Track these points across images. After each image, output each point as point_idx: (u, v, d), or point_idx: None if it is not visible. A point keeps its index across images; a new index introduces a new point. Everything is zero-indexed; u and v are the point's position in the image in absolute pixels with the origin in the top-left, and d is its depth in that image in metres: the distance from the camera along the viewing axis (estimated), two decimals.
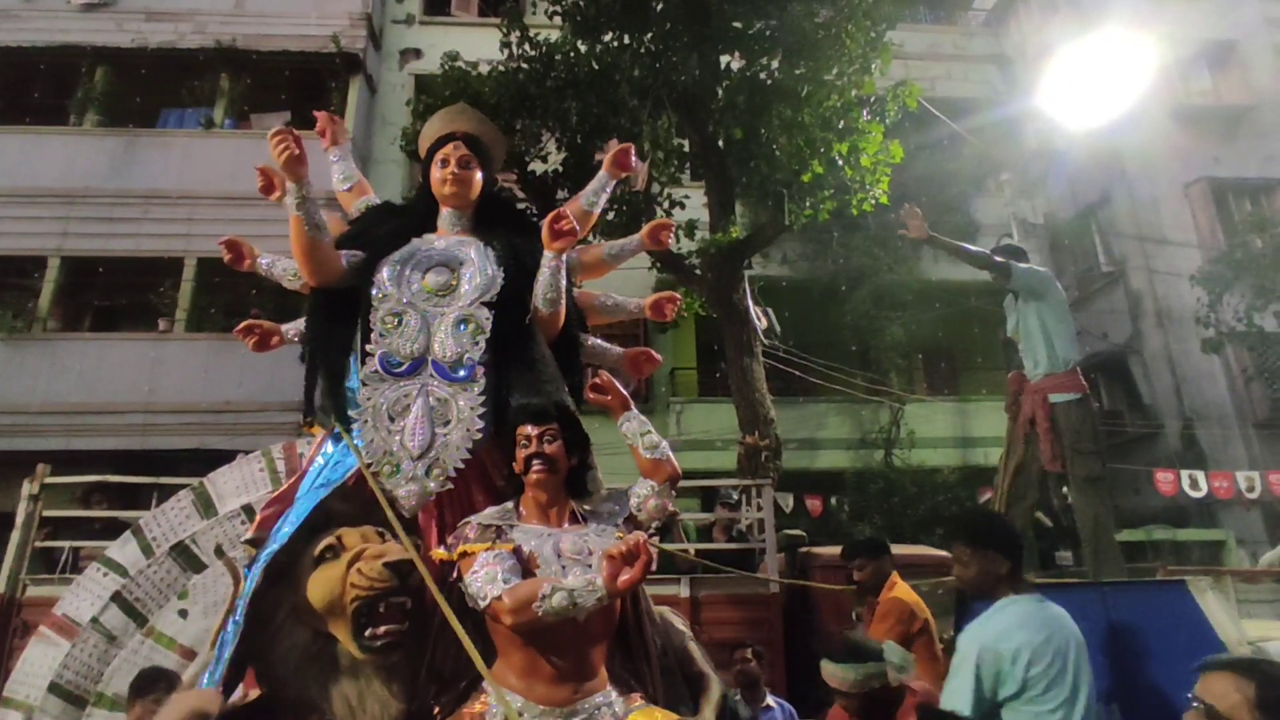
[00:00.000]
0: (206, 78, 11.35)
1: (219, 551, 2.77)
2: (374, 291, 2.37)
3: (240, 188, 9.41)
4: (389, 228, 2.58)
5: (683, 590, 5.09)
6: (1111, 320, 12.75)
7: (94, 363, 9.65)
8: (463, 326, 2.36)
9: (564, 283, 2.42)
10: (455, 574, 1.95)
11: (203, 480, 3.00)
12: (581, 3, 7.81)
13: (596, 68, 7.79)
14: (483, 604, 1.83)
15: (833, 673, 2.45)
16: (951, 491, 10.78)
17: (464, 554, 1.93)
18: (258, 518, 2.28)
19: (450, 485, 2.22)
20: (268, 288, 3.04)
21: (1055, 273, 5.82)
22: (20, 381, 9.36)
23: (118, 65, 11.25)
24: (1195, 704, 1.67)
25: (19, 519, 4.68)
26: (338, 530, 2.05)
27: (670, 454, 2.17)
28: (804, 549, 6.35)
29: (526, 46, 7.99)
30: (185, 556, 2.81)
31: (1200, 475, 10.58)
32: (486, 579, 1.84)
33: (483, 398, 2.30)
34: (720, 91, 7.85)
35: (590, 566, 1.93)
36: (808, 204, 7.65)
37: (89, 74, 11.21)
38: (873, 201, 7.66)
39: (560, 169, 8.26)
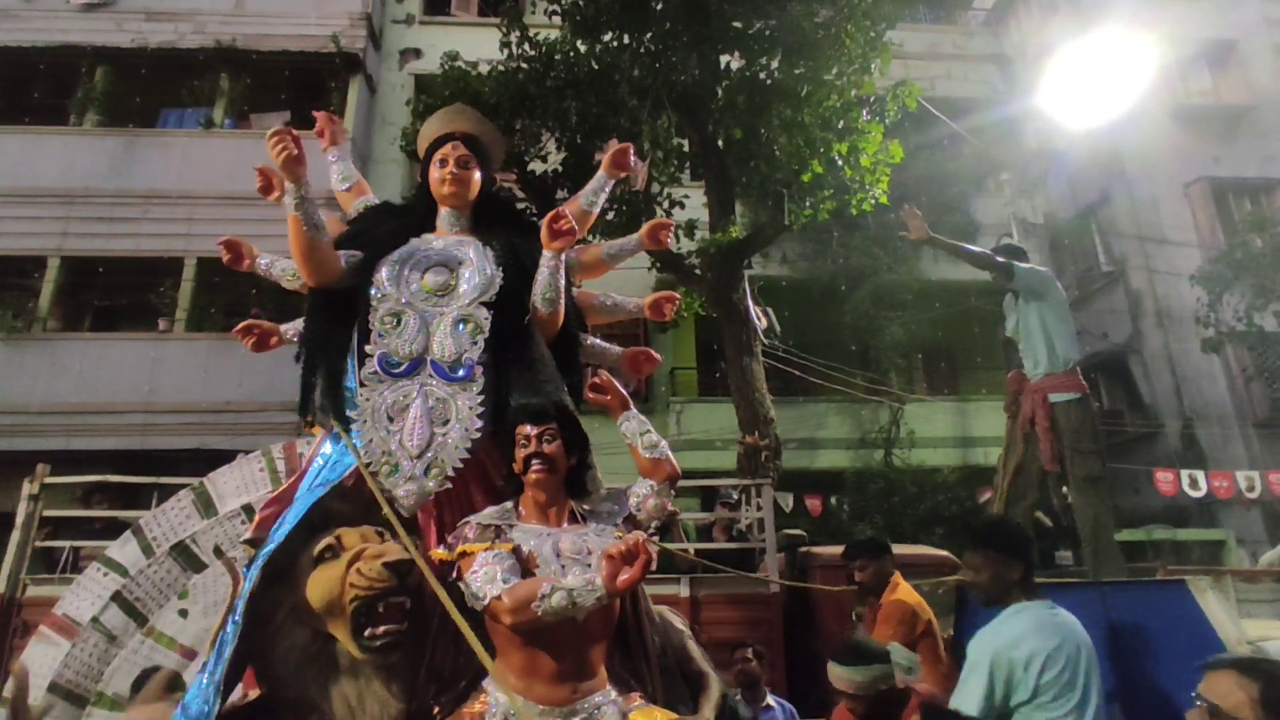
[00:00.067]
0: (206, 78, 11.35)
1: (218, 551, 2.77)
2: (373, 292, 2.37)
3: (240, 188, 9.41)
4: (388, 228, 2.58)
5: (682, 590, 5.08)
6: (1111, 320, 12.75)
7: (94, 363, 9.65)
8: (461, 326, 2.36)
9: (563, 282, 2.42)
10: (455, 574, 1.95)
11: (203, 480, 3.00)
12: (581, 2, 7.81)
13: (596, 67, 7.79)
14: (482, 604, 1.84)
15: (840, 675, 2.45)
16: (951, 491, 10.78)
17: (463, 554, 1.93)
18: (256, 518, 2.28)
19: (449, 485, 2.22)
20: (267, 288, 3.04)
21: (1055, 272, 5.82)
22: (20, 381, 9.36)
23: (118, 65, 11.25)
24: (1199, 702, 1.68)
25: (19, 519, 4.68)
26: (337, 530, 2.05)
27: (669, 453, 2.17)
28: (804, 549, 6.35)
29: (526, 46, 8.00)
30: (185, 556, 2.80)
31: (1200, 475, 10.58)
32: (486, 579, 1.85)
33: (481, 397, 2.30)
34: (720, 91, 7.85)
35: (589, 566, 1.93)
36: (808, 204, 7.65)
37: (89, 74, 11.21)
38: (872, 201, 7.66)
39: (560, 169, 8.26)
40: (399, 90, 12.06)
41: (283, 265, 2.60)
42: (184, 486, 3.04)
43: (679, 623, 2.46)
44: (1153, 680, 2.79)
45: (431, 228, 2.61)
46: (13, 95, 11.03)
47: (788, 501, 9.75)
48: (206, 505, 2.95)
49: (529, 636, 1.85)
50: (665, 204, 8.23)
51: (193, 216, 10.14)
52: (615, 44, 7.91)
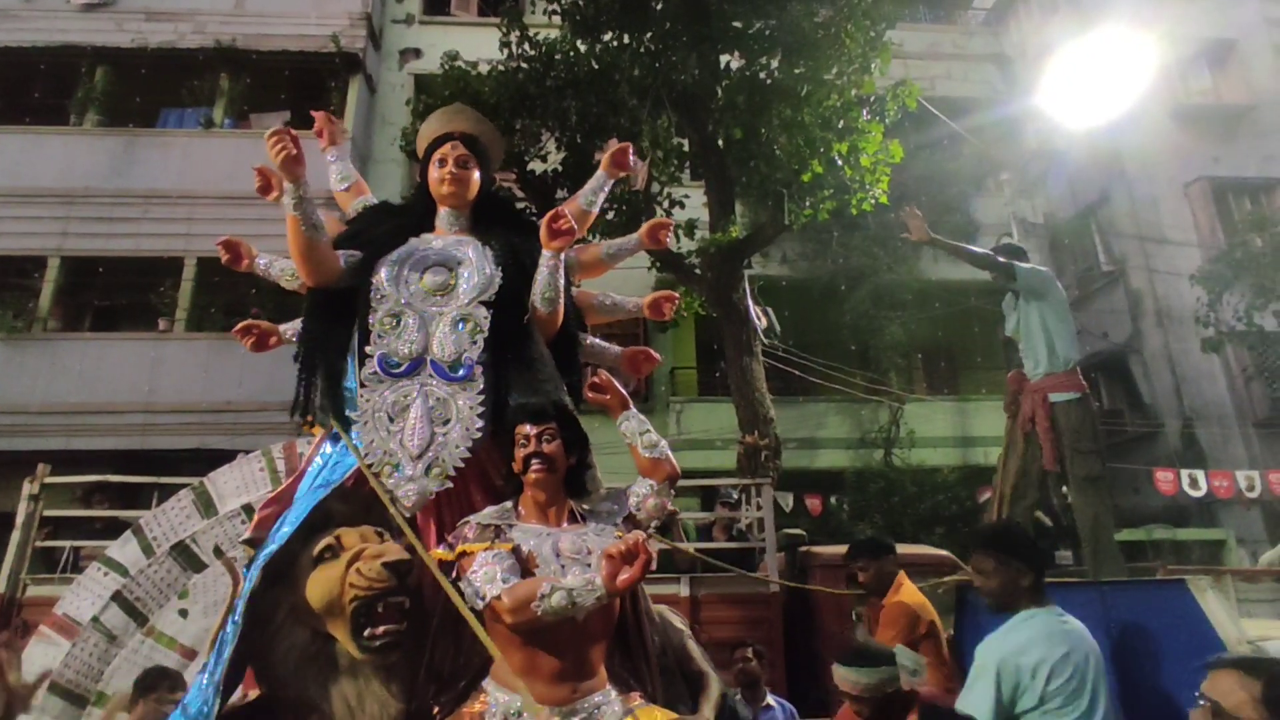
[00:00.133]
0: (206, 78, 11.35)
1: (218, 551, 2.78)
2: (372, 292, 2.37)
3: (240, 187, 9.40)
4: (387, 227, 2.57)
5: (682, 590, 5.09)
6: (1111, 320, 12.75)
7: (94, 363, 9.65)
8: (461, 326, 2.36)
9: (562, 282, 2.42)
10: (455, 574, 1.95)
11: (203, 480, 3.01)
12: (581, 2, 7.81)
13: (596, 67, 7.79)
14: (481, 604, 1.84)
15: (846, 677, 2.45)
16: (951, 491, 10.78)
17: (463, 554, 1.93)
18: (255, 518, 2.29)
19: (450, 485, 2.22)
20: (267, 288, 3.04)
21: (1055, 272, 5.82)
22: (20, 381, 9.37)
23: (118, 65, 11.25)
24: (1202, 701, 1.68)
25: (19, 519, 4.69)
26: (336, 530, 2.05)
27: (669, 453, 2.17)
28: (804, 548, 6.35)
29: (526, 46, 7.99)
30: (185, 556, 2.81)
31: (1200, 474, 10.58)
32: (485, 578, 1.85)
33: (481, 397, 2.29)
34: (720, 91, 7.85)
35: (589, 566, 1.93)
36: (807, 204, 7.65)
37: (89, 74, 11.21)
38: (872, 201, 7.66)
39: (560, 169, 8.26)
40: (399, 90, 12.06)
41: (281, 265, 2.60)
42: (184, 486, 3.05)
43: (679, 622, 2.46)
44: (1152, 680, 2.79)
45: (430, 227, 2.61)
46: (13, 95, 11.03)
47: (788, 501, 9.75)
48: (206, 505, 2.96)
49: (529, 636, 1.85)
50: (665, 204, 8.23)
51: (192, 216, 10.14)
52: (615, 44, 7.91)
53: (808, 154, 7.37)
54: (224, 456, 3.10)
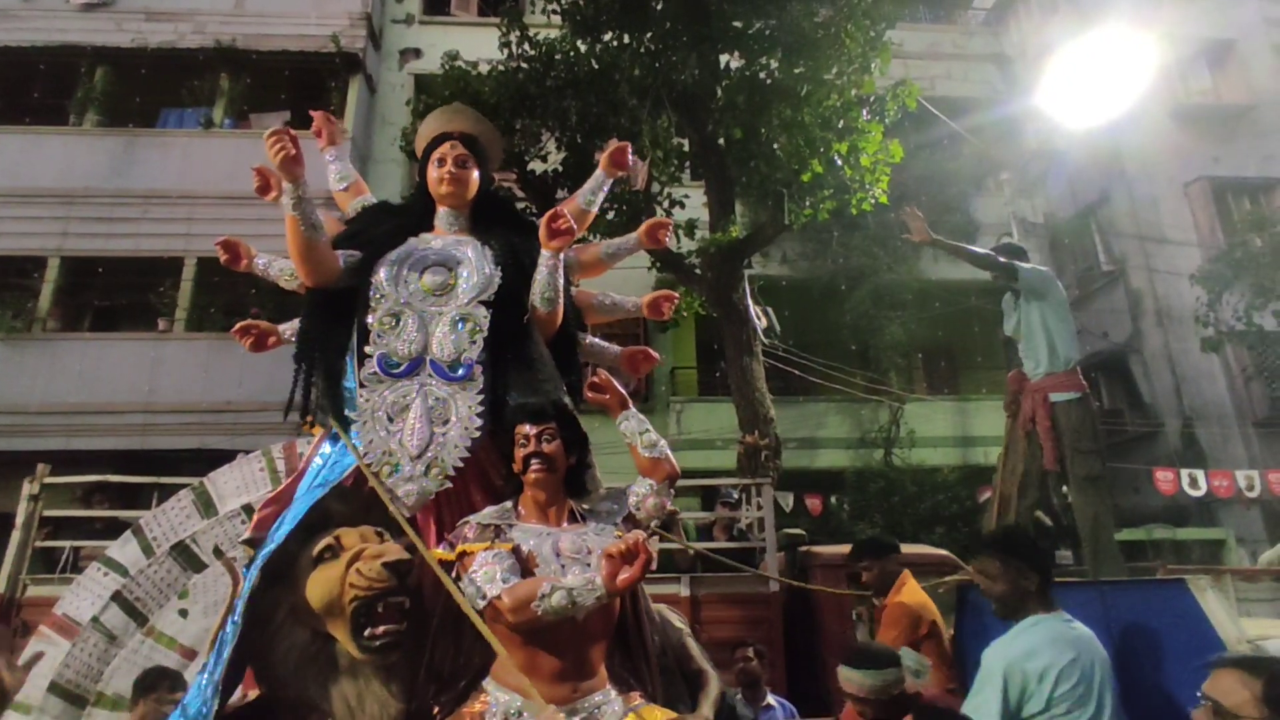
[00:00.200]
0: (206, 78, 11.35)
1: (218, 551, 2.77)
2: (371, 292, 2.37)
3: (240, 187, 9.37)
4: (386, 227, 2.57)
5: (683, 589, 5.08)
6: (1111, 319, 12.76)
7: (94, 363, 9.65)
8: (460, 326, 2.35)
9: (561, 281, 2.41)
10: (455, 574, 1.95)
11: (203, 480, 3.00)
12: (581, 2, 7.81)
13: (596, 67, 7.79)
14: (482, 603, 1.84)
15: (851, 678, 2.45)
16: (952, 490, 10.77)
17: (463, 554, 1.93)
18: (255, 518, 2.28)
19: (449, 485, 2.22)
20: (267, 288, 3.04)
21: (1055, 272, 5.82)
22: (20, 381, 9.36)
23: (117, 65, 11.25)
24: (1204, 701, 1.69)
25: (19, 519, 4.68)
26: (336, 530, 2.05)
27: (669, 453, 2.17)
28: (804, 548, 6.34)
29: (526, 46, 7.99)
30: (186, 556, 2.80)
31: (1200, 474, 10.59)
32: (486, 578, 1.85)
33: (481, 397, 2.29)
34: (720, 91, 7.85)
35: (589, 565, 1.93)
36: (807, 204, 7.65)
37: (89, 74, 11.20)
38: (872, 201, 7.66)
39: (560, 168, 8.25)
40: (399, 90, 12.06)
41: (280, 265, 2.60)
42: (184, 486, 3.04)
43: (678, 621, 2.46)
44: (1152, 679, 2.79)
45: (430, 227, 2.61)
46: (13, 95, 11.02)
47: (788, 501, 9.75)
48: (206, 505, 2.95)
49: (529, 636, 1.85)
50: (665, 204, 8.23)
51: (192, 216, 10.14)
52: (615, 44, 7.91)
53: (808, 154, 7.37)
54: (224, 456, 3.09)
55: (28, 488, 4.73)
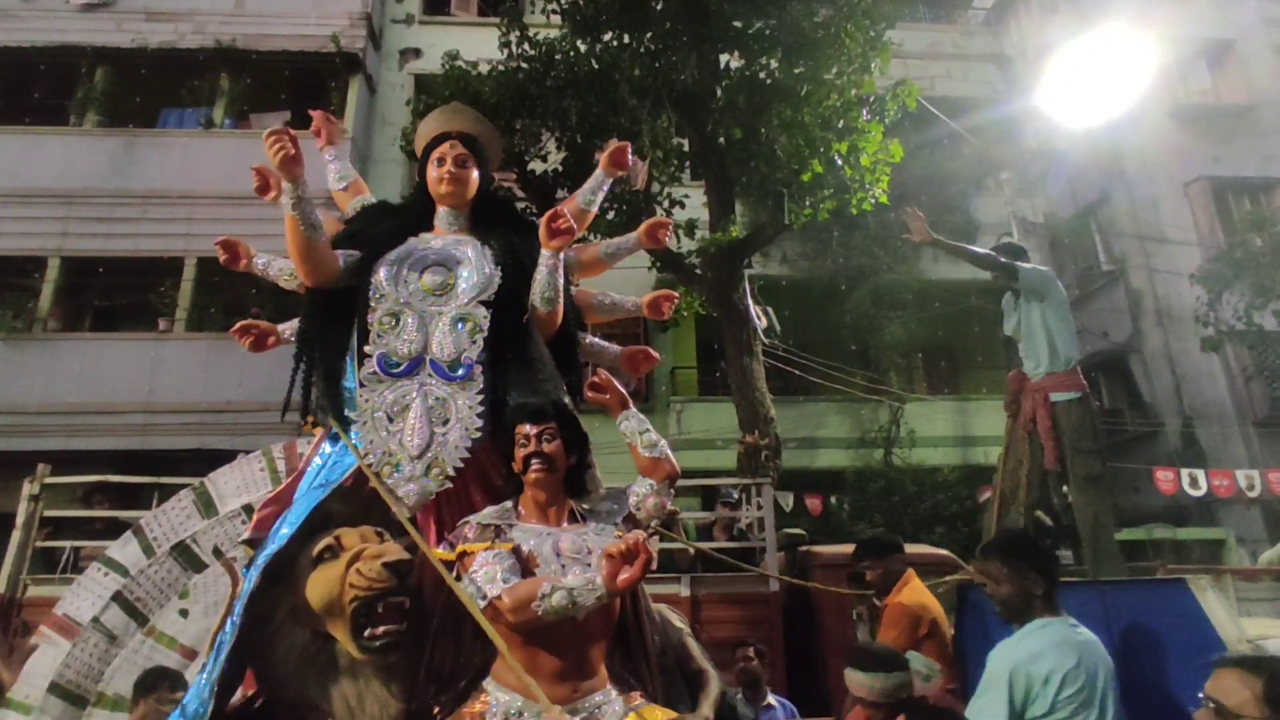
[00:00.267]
0: (206, 78, 11.35)
1: (218, 552, 2.77)
2: (371, 292, 2.36)
3: (240, 187, 9.35)
4: (385, 227, 2.57)
5: (683, 589, 5.09)
6: (1112, 319, 12.76)
7: (94, 363, 9.65)
8: (460, 325, 2.35)
9: (561, 281, 2.41)
10: (455, 574, 1.95)
11: (203, 480, 3.01)
12: (581, 2, 7.81)
13: (596, 67, 7.79)
14: (483, 603, 1.84)
15: (860, 681, 2.45)
16: (952, 490, 10.77)
17: (463, 554, 1.93)
18: (254, 518, 2.28)
19: (449, 485, 2.22)
20: (267, 288, 3.04)
21: (1055, 272, 5.82)
22: (20, 381, 9.36)
23: (117, 65, 11.25)
24: (1206, 701, 1.69)
25: (19, 519, 4.69)
26: (336, 530, 2.05)
27: (669, 452, 2.17)
28: (804, 548, 6.35)
29: (526, 46, 7.99)
30: (186, 556, 2.81)
31: (1200, 474, 10.59)
32: (486, 578, 1.85)
33: (481, 397, 2.29)
34: (720, 91, 7.85)
35: (589, 565, 1.93)
36: (807, 203, 7.66)
37: (89, 74, 11.21)
38: (872, 201, 7.67)
39: (560, 168, 8.26)
40: (399, 90, 12.06)
41: (280, 265, 2.60)
42: (184, 486, 3.04)
43: (678, 621, 2.46)
44: (1152, 679, 2.78)
45: (429, 227, 2.61)
46: (13, 95, 11.03)
47: (788, 501, 9.75)
48: (207, 505, 2.95)
49: (529, 636, 1.85)
50: (665, 204, 8.23)
51: (192, 216, 10.14)
52: (615, 44, 7.91)
53: (808, 154, 7.37)
54: (224, 456, 3.10)
55: (28, 488, 4.74)
